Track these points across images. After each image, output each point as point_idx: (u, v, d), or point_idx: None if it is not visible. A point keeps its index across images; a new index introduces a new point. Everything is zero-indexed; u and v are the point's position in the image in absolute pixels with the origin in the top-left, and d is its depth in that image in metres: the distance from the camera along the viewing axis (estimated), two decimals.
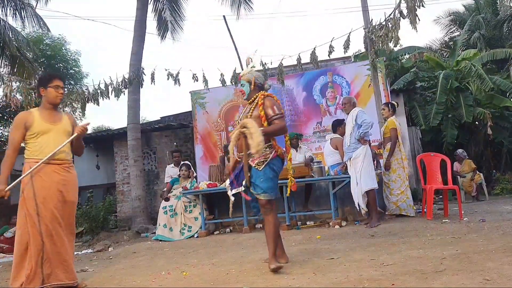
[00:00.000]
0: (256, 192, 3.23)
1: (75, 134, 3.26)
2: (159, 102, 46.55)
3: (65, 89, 3.34)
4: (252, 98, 3.39)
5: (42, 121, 3.18)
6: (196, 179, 7.41)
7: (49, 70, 3.25)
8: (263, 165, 3.20)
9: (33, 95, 8.24)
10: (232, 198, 3.45)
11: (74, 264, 3.24)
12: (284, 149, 3.39)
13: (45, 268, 3.00)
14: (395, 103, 6.28)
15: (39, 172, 3.08)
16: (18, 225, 3.11)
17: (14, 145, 3.14)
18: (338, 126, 6.16)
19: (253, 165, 3.23)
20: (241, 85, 3.49)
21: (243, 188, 3.36)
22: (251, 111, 3.33)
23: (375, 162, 6.03)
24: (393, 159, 5.73)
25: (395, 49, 9.72)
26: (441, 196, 7.54)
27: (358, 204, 5.34)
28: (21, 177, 3.06)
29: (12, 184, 3.05)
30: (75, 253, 6.20)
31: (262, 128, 3.15)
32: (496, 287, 2.09)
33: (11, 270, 3.09)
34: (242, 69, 3.63)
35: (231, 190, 3.43)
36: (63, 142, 3.19)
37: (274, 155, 3.25)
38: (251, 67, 3.56)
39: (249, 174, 3.26)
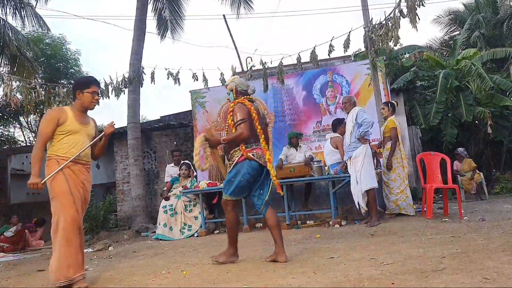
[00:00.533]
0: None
1: (103, 133, 3.42)
2: (159, 102, 46.56)
3: (100, 95, 3.54)
4: None
5: (75, 121, 3.26)
6: (196, 178, 7.42)
7: (88, 74, 3.25)
8: (231, 168, 3.48)
9: (33, 94, 8.24)
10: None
11: None
12: (256, 152, 3.47)
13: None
14: (395, 102, 6.27)
15: (70, 168, 3.18)
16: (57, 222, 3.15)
17: (45, 139, 3.18)
18: (338, 125, 6.17)
19: None
20: (227, 93, 3.74)
21: None
22: (229, 119, 3.57)
23: (375, 161, 6.03)
24: (393, 158, 5.73)
25: (395, 48, 9.71)
26: (441, 195, 7.54)
27: (358, 203, 5.34)
28: (56, 170, 3.10)
29: (47, 178, 3.10)
30: None
31: (223, 137, 3.51)
32: (495, 285, 2.10)
33: (55, 265, 3.03)
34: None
35: None
36: (86, 144, 3.31)
37: (240, 158, 3.43)
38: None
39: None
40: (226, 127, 3.60)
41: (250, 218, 6.35)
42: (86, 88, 3.32)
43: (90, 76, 3.55)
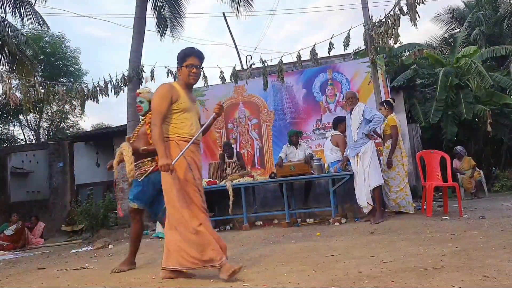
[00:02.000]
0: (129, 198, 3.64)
1: (214, 114, 3.15)
2: None
3: (202, 68, 3.10)
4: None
5: (186, 98, 3.01)
6: None
7: (187, 47, 2.89)
8: (142, 177, 3.56)
9: (32, 92, 8.22)
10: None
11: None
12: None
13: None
14: (391, 100, 6.19)
15: (189, 149, 2.93)
16: (179, 209, 2.89)
17: (163, 115, 2.90)
18: (338, 123, 6.15)
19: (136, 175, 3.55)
20: (140, 101, 3.75)
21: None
22: (139, 127, 3.69)
23: None
24: (393, 156, 5.71)
25: (395, 46, 9.71)
26: (440, 193, 7.54)
27: (367, 201, 5.29)
28: (182, 151, 2.85)
29: (177, 158, 2.83)
30: (76, 250, 6.22)
31: (144, 147, 3.54)
32: (495, 283, 2.10)
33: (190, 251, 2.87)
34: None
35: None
36: (198, 124, 3.12)
37: (155, 168, 3.48)
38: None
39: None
40: (135, 135, 3.71)
41: (250, 216, 6.35)
42: (182, 62, 3.04)
43: (187, 48, 3.12)
